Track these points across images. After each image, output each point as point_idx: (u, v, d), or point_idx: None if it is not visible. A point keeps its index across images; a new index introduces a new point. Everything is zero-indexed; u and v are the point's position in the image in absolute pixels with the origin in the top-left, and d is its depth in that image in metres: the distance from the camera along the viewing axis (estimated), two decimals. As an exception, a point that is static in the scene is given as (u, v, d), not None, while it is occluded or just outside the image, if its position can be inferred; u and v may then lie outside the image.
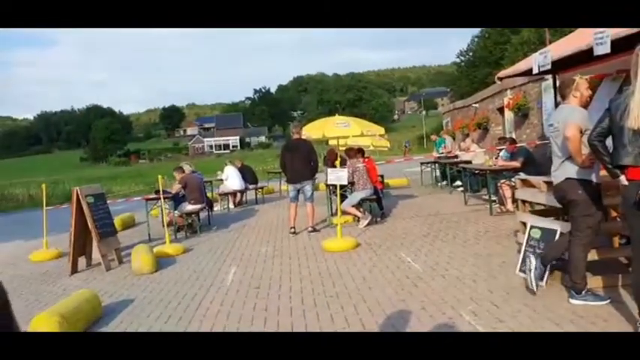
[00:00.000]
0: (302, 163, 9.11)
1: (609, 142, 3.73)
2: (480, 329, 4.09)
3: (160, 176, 9.19)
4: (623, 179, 3.56)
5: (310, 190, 9.21)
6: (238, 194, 14.67)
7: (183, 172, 10.93)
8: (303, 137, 9.48)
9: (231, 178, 14.13)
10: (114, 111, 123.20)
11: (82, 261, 7.91)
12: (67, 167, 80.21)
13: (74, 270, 7.63)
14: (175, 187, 10.30)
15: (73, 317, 4.73)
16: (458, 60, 62.07)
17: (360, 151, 10.39)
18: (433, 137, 20.08)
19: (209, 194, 12.88)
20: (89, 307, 5.12)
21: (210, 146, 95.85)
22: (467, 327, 4.16)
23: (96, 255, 7.79)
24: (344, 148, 10.60)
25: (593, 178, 4.38)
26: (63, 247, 9.15)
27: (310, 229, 9.17)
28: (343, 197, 9.31)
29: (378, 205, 10.22)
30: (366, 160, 10.39)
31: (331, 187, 10.12)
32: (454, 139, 20.01)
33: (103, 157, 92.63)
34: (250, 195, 15.52)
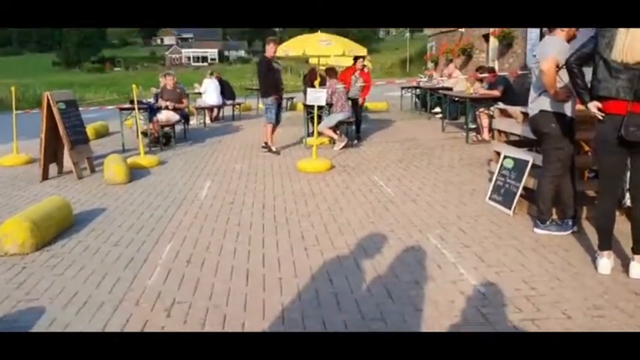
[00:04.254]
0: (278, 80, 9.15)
1: (588, 77, 3.72)
2: (446, 253, 4.21)
3: (134, 85, 8.94)
4: (592, 106, 3.58)
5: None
6: (215, 109, 14.45)
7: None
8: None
9: (209, 92, 13.84)
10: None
11: (53, 168, 7.80)
12: (39, 71, 77.40)
13: (45, 177, 7.53)
14: (185, 103, 10.58)
15: (44, 224, 4.70)
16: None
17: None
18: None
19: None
20: (60, 214, 5.09)
21: (188, 58, 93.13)
22: (433, 250, 4.29)
23: (68, 163, 7.68)
24: (324, 68, 10.40)
25: (568, 112, 4.40)
26: (33, 152, 8.97)
27: (263, 145, 9.25)
28: (320, 118, 9.24)
29: (356, 126, 10.19)
30: (363, 71, 10.30)
31: (309, 108, 10.01)
32: (437, 64, 19.78)
33: (76, 62, 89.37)
34: (227, 111, 15.30)
